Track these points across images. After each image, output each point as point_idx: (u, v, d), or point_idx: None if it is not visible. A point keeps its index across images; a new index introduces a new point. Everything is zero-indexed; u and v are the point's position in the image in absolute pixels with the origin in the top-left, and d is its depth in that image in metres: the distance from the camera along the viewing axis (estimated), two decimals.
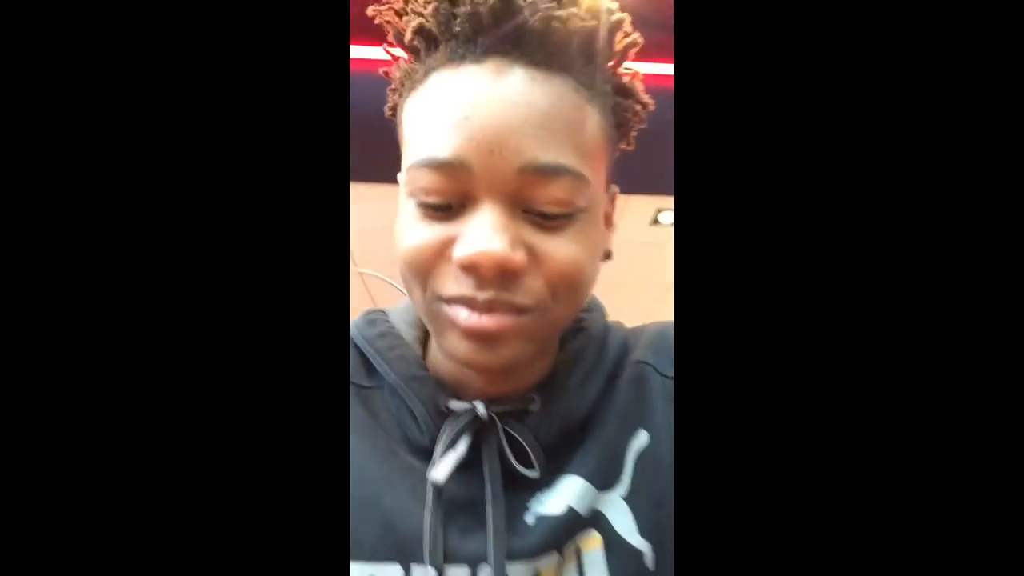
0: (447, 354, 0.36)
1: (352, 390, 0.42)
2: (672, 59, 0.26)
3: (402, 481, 0.38)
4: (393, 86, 0.39)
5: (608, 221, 0.40)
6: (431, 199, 0.33)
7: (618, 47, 0.37)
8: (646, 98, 0.40)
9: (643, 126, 0.41)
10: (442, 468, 0.36)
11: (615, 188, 0.41)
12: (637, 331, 0.46)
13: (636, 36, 0.37)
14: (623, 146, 0.41)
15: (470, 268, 0.32)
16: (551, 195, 0.32)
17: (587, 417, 0.41)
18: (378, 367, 0.41)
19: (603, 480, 0.38)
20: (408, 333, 0.43)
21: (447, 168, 0.32)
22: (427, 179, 0.33)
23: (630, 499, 0.38)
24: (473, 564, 0.36)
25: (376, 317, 0.44)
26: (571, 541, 0.37)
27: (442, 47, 0.34)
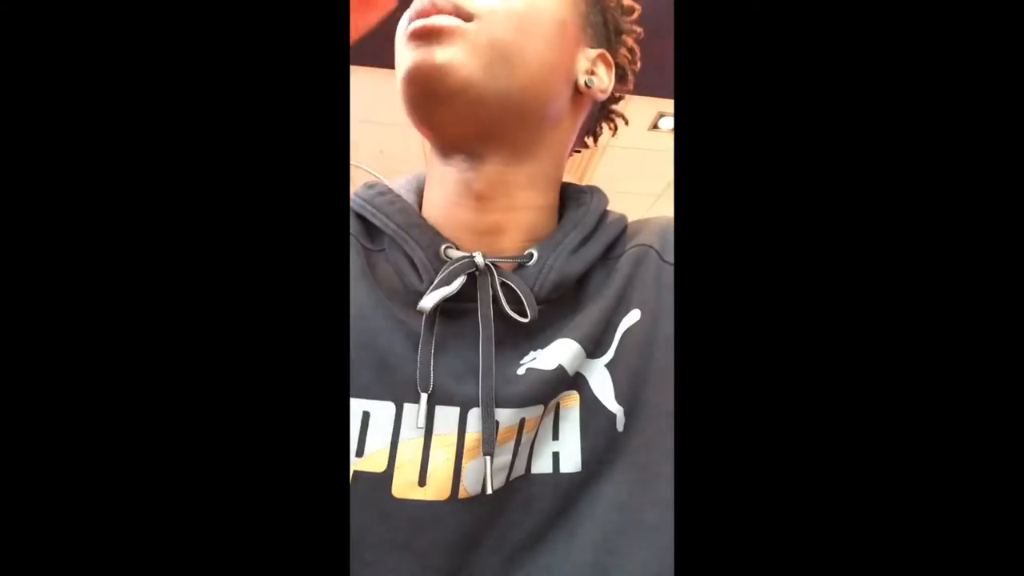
0: (402, 79, 0.39)
1: (355, 250, 0.44)
2: None
3: (397, 329, 0.40)
4: None
5: (592, 71, 0.46)
6: None
7: None
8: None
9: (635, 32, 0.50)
10: (431, 297, 0.39)
11: (603, 52, 0.47)
12: (642, 221, 0.49)
13: None
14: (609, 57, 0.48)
15: None
16: None
17: (584, 282, 0.44)
18: (378, 222, 0.43)
19: (592, 348, 0.41)
20: (408, 196, 0.46)
21: None
22: None
23: (611, 367, 0.41)
24: (464, 407, 0.39)
25: (374, 182, 0.47)
26: (554, 398, 0.41)
27: None
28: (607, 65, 0.47)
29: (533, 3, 0.40)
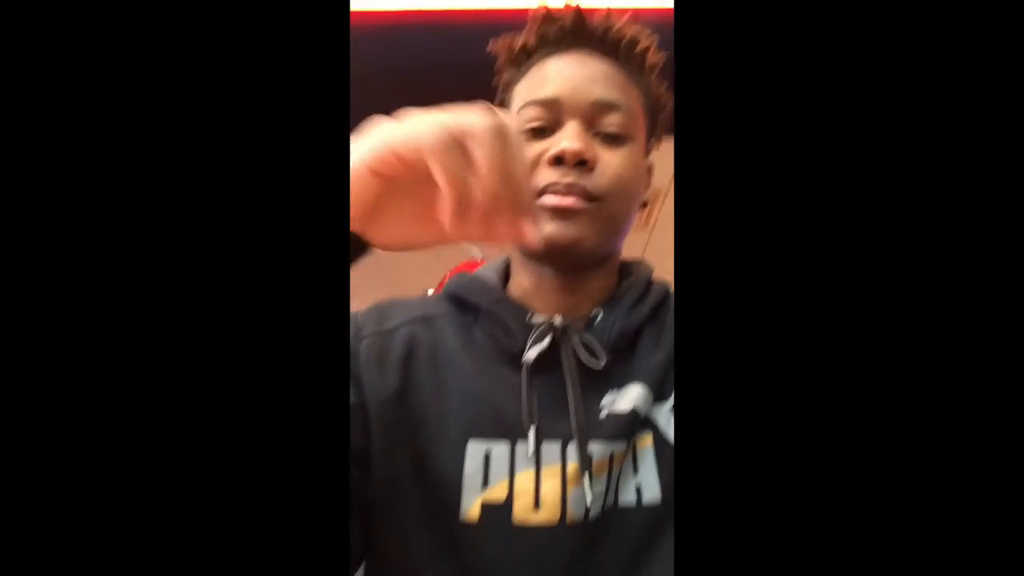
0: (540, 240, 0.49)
1: (454, 321, 0.55)
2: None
3: (503, 386, 0.50)
4: (499, 85, 0.57)
5: (647, 186, 0.58)
6: (536, 123, 0.50)
7: (650, 60, 0.56)
8: (668, 99, 0.58)
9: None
10: (532, 352, 0.50)
11: (652, 161, 0.59)
12: None
13: (662, 55, 0.56)
14: (654, 145, 0.59)
15: (558, 159, 0.48)
16: (611, 121, 0.50)
17: (639, 334, 0.53)
18: (472, 301, 0.55)
19: (658, 392, 0.50)
20: (490, 280, 0.58)
21: (546, 102, 0.50)
22: (533, 111, 0.50)
23: (675, 409, 0.49)
24: (564, 440, 0.47)
25: (464, 273, 0.59)
26: (632, 437, 0.49)
27: (539, 52, 0.54)
28: (651, 171, 0.59)
29: (635, 168, 0.52)
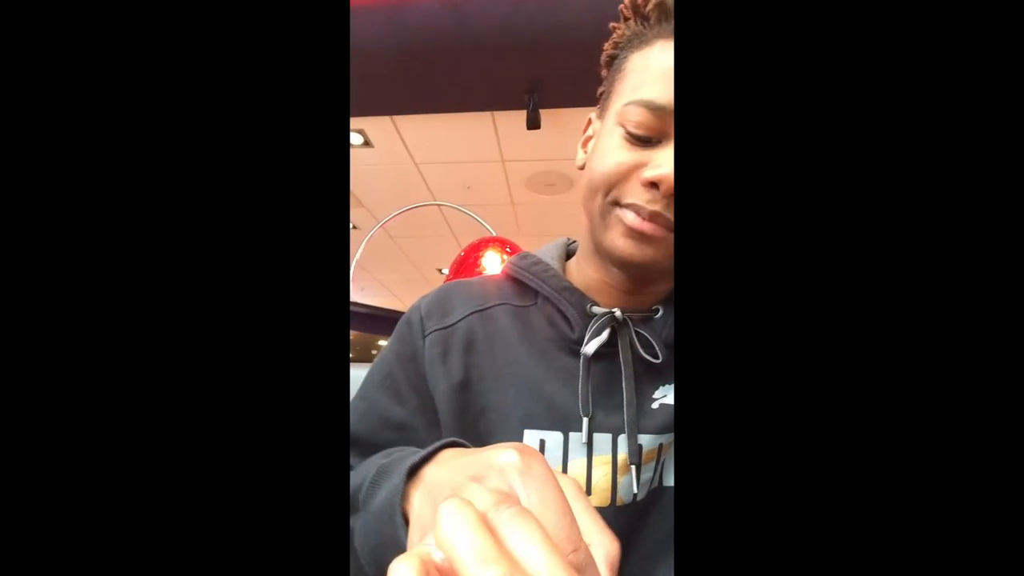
0: (607, 248, 0.49)
1: (510, 310, 0.56)
2: None
3: (558, 376, 0.51)
4: (616, 39, 0.51)
5: None
6: (640, 132, 0.45)
7: None
8: None
9: None
10: (591, 346, 0.50)
11: None
12: None
13: None
14: None
15: (654, 185, 0.44)
16: None
17: None
18: (534, 285, 0.55)
19: None
20: (553, 263, 0.57)
21: (660, 111, 0.44)
22: (642, 115, 0.45)
23: None
24: (614, 433, 0.49)
25: (527, 254, 0.59)
26: None
27: (675, 18, 0.44)
28: None
29: None
